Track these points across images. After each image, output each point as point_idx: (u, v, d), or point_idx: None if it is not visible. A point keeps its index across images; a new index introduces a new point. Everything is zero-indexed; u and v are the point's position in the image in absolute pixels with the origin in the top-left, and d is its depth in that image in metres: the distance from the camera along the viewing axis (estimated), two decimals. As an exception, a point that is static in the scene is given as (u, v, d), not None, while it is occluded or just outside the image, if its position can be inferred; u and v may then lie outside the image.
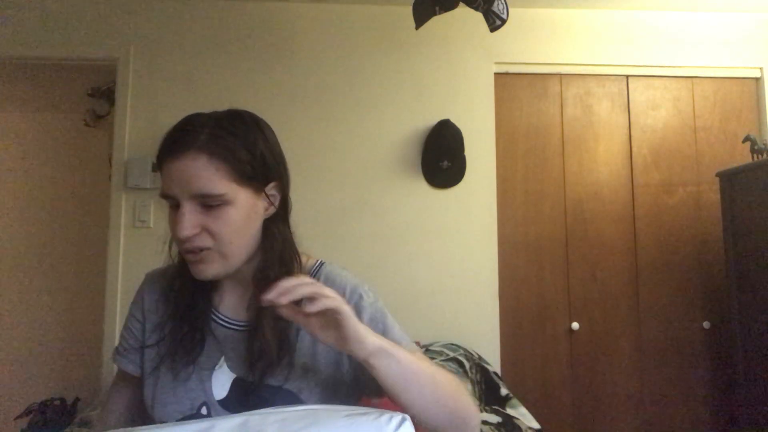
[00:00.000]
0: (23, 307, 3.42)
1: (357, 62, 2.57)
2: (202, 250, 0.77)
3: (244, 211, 0.78)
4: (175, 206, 0.77)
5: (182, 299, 0.85)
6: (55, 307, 3.41)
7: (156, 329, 0.87)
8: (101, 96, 3.11)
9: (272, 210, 0.83)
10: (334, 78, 2.55)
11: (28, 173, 3.54)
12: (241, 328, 0.84)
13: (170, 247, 0.86)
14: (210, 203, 0.75)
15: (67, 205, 3.49)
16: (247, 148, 0.78)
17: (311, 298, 0.66)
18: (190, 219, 0.75)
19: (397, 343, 0.77)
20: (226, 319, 0.85)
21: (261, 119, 0.85)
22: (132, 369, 0.88)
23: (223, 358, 0.82)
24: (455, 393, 0.76)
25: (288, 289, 0.66)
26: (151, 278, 0.93)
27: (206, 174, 0.75)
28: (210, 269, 0.78)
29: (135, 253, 2.40)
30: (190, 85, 2.50)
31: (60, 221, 3.48)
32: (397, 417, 0.57)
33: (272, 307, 0.77)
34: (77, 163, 3.53)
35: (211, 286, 0.87)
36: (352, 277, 0.88)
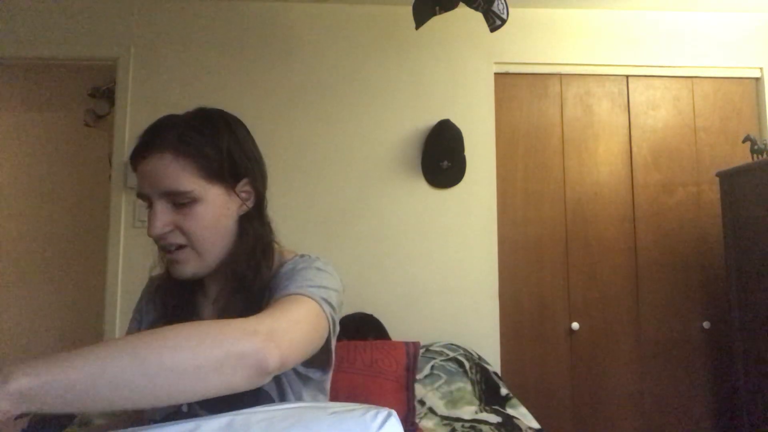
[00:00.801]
0: (23, 306, 3.41)
1: (357, 62, 2.57)
2: (177, 248, 0.78)
3: (215, 209, 0.79)
4: (149, 207, 0.79)
5: (169, 300, 0.87)
6: (55, 307, 3.41)
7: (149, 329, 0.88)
8: (101, 96, 3.11)
9: (246, 207, 0.84)
10: (334, 78, 2.55)
11: (28, 173, 3.54)
12: None
13: (159, 251, 0.87)
14: (179, 201, 0.77)
15: (67, 205, 3.49)
16: (215, 145, 0.79)
17: None
18: (162, 217, 0.77)
19: (284, 291, 0.72)
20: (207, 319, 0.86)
21: (232, 117, 0.86)
22: None
23: None
24: (199, 344, 0.56)
25: None
26: (151, 281, 0.96)
27: (172, 172, 0.76)
28: (187, 268, 0.80)
29: (135, 253, 2.40)
30: (190, 85, 2.50)
31: (60, 221, 3.48)
32: (383, 412, 0.56)
33: (239, 303, 0.78)
34: (77, 163, 3.53)
35: (197, 286, 0.88)
36: (307, 258, 0.84)
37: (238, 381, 0.57)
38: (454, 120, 2.49)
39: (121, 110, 2.48)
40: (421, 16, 1.96)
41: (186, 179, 0.77)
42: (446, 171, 2.49)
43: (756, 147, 2.27)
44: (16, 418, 0.49)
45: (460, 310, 2.46)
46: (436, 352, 2.24)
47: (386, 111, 2.55)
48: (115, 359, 0.52)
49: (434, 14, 1.95)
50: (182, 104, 2.46)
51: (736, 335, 2.22)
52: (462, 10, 1.96)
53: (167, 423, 0.59)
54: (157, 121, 0.82)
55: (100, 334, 2.40)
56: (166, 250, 0.79)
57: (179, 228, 0.78)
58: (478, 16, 1.95)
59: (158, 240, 0.78)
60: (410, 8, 1.98)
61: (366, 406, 0.60)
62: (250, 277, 0.81)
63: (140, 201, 0.81)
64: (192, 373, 0.54)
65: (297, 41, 2.56)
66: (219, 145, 0.80)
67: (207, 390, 0.56)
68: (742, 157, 2.54)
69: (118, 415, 0.98)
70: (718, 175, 2.36)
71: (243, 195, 0.84)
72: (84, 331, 3.29)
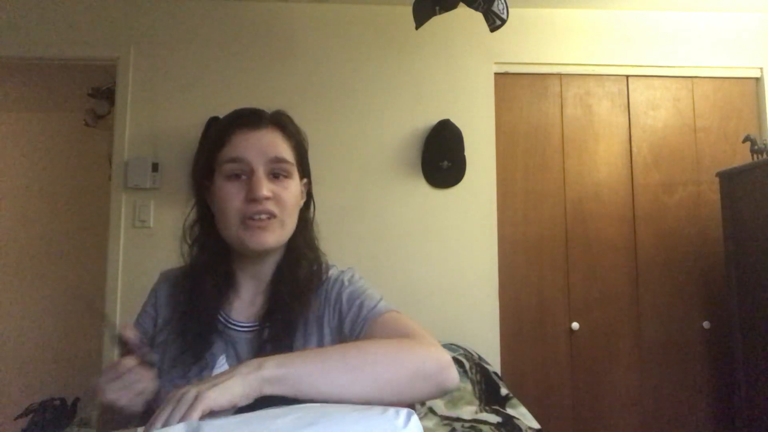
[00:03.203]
0: (23, 307, 3.42)
1: (357, 62, 2.57)
2: (268, 216, 0.82)
3: (297, 190, 0.88)
4: (237, 176, 0.82)
5: (193, 298, 0.87)
6: (55, 307, 3.41)
7: (166, 324, 0.89)
8: (101, 96, 3.10)
9: (302, 203, 0.92)
10: (333, 78, 2.55)
11: (28, 173, 3.54)
12: (244, 330, 0.86)
13: (181, 247, 0.90)
14: (280, 172, 0.84)
15: (67, 205, 3.50)
16: (300, 142, 0.90)
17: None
18: (266, 183, 0.82)
19: (369, 314, 0.80)
20: (231, 321, 0.87)
21: None
22: None
23: (223, 357, 0.84)
24: (389, 357, 0.68)
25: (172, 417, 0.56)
26: (165, 276, 0.96)
27: (282, 144, 0.85)
28: (271, 237, 0.83)
29: (135, 253, 2.40)
30: (190, 85, 2.50)
31: (60, 221, 3.48)
32: (404, 411, 0.58)
33: (283, 310, 0.82)
34: (77, 163, 3.53)
35: (227, 285, 0.88)
36: (338, 270, 0.93)
37: (423, 396, 0.70)
38: (454, 120, 2.49)
39: (121, 110, 2.48)
40: (421, 16, 1.96)
41: (289, 152, 0.86)
42: (446, 171, 2.49)
43: (756, 147, 2.27)
44: (16, 418, 0.51)
45: (460, 310, 2.46)
46: (436, 352, 2.24)
47: (386, 111, 2.55)
48: (333, 363, 0.66)
49: (434, 14, 1.95)
50: (182, 104, 2.48)
51: (736, 335, 2.22)
52: (462, 10, 1.97)
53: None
54: (251, 107, 0.89)
55: (99, 333, 2.40)
56: (254, 218, 0.81)
57: (276, 197, 0.83)
58: (478, 16, 1.96)
59: (259, 204, 0.80)
60: (410, 8, 1.98)
61: (381, 406, 0.60)
62: (308, 275, 0.87)
63: (230, 165, 0.82)
64: (387, 384, 0.66)
65: (297, 41, 2.56)
66: (302, 142, 0.90)
67: (400, 398, 0.66)
68: (742, 157, 2.54)
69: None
70: (718, 175, 2.36)
71: (304, 190, 0.92)
72: (84, 330, 3.29)
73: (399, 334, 0.75)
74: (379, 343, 0.71)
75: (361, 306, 0.82)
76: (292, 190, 0.85)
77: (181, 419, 0.55)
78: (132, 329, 0.71)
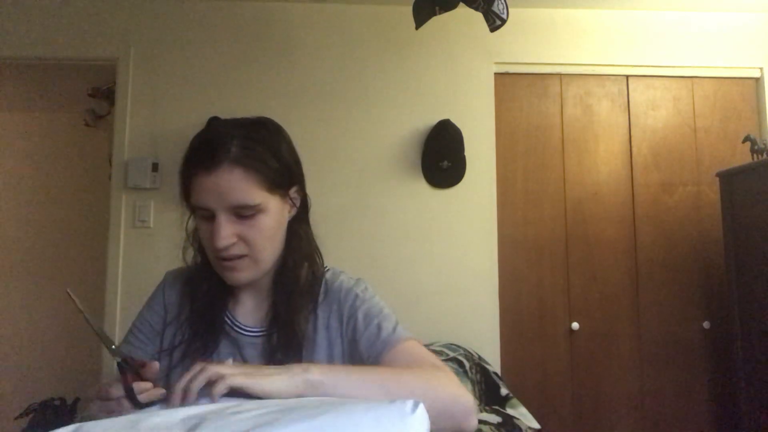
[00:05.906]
0: (23, 307, 3.42)
1: (357, 62, 2.56)
2: (237, 257, 0.80)
3: (275, 217, 0.82)
4: (207, 217, 0.79)
5: (201, 301, 0.87)
6: (55, 307, 3.41)
7: (173, 322, 0.89)
8: (101, 96, 3.10)
9: (294, 211, 0.87)
10: (334, 78, 2.55)
11: (28, 173, 3.54)
12: (252, 334, 0.87)
13: (184, 253, 0.89)
14: (245, 213, 0.78)
15: (67, 205, 3.50)
16: (275, 156, 0.81)
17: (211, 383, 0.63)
18: (227, 229, 0.77)
19: (390, 339, 0.80)
20: (239, 325, 0.88)
21: (281, 126, 0.88)
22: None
23: (230, 360, 0.84)
24: (424, 389, 0.70)
25: (189, 390, 0.62)
26: (172, 276, 0.96)
27: (242, 186, 0.77)
28: (243, 275, 0.82)
29: (135, 253, 2.40)
30: (190, 85, 2.50)
31: (60, 221, 3.48)
32: (410, 401, 0.58)
33: (288, 317, 0.82)
34: (77, 163, 3.53)
35: (228, 292, 0.89)
36: (348, 278, 0.91)
37: (447, 427, 0.70)
38: (454, 120, 2.49)
39: (121, 110, 2.48)
40: (421, 16, 1.96)
41: (254, 192, 0.78)
42: (446, 171, 2.49)
43: (756, 147, 2.27)
44: (16, 418, 0.51)
45: (460, 310, 2.46)
46: (436, 351, 2.24)
47: (386, 111, 2.55)
48: (369, 383, 0.69)
49: (434, 14, 1.95)
50: (182, 104, 2.48)
51: (736, 335, 2.22)
52: (462, 10, 1.97)
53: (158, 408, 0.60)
54: (211, 129, 0.83)
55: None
56: (224, 259, 0.80)
57: (243, 239, 0.79)
58: (478, 16, 1.96)
59: (221, 251, 0.78)
60: (410, 8, 1.98)
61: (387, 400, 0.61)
62: (309, 281, 0.86)
63: (198, 211, 0.81)
64: None
65: (297, 41, 2.56)
66: (278, 155, 0.82)
67: None
68: (742, 157, 2.54)
69: None
70: (718, 175, 2.36)
71: (293, 201, 0.87)
72: (84, 330, 3.29)
73: (420, 364, 0.77)
74: (416, 375, 0.73)
75: (379, 328, 0.81)
76: (263, 224, 0.80)
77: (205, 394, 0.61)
78: (150, 363, 0.69)
